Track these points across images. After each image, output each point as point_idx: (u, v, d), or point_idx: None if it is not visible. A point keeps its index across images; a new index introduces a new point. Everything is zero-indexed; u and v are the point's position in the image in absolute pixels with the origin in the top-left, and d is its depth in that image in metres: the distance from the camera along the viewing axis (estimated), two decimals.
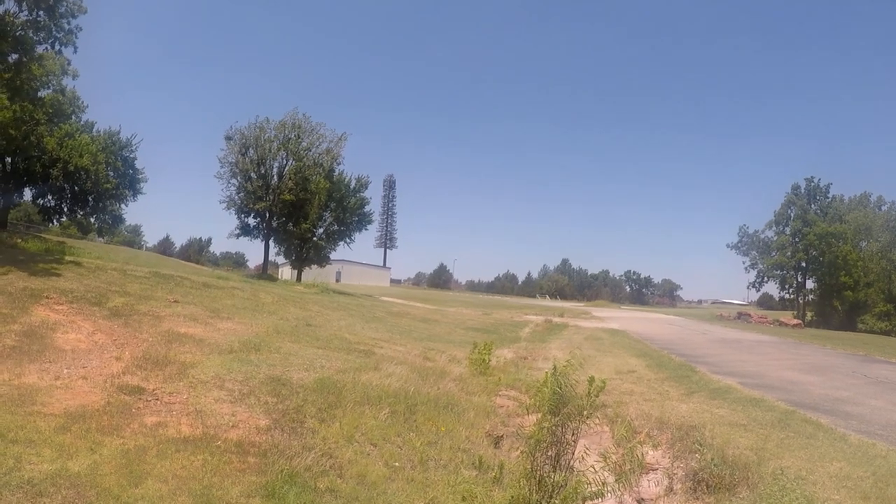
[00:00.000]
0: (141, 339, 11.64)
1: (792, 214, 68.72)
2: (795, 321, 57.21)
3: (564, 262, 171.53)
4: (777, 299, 79.53)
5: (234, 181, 50.52)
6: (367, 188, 55.89)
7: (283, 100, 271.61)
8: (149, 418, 7.50)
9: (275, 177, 50.49)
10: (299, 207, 49.59)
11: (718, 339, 29.67)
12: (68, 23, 25.41)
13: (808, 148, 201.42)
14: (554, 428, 6.48)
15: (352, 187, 54.89)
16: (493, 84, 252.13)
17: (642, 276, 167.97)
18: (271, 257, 57.33)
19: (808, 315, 66.80)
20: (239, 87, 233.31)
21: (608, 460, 8.16)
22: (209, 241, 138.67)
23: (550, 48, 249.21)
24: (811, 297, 69.18)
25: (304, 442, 7.45)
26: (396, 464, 7.46)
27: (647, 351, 20.39)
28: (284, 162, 50.71)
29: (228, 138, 50.30)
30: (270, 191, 49.69)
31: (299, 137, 50.39)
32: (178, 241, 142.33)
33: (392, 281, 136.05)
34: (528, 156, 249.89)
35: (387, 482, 6.85)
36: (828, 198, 68.73)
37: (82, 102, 44.94)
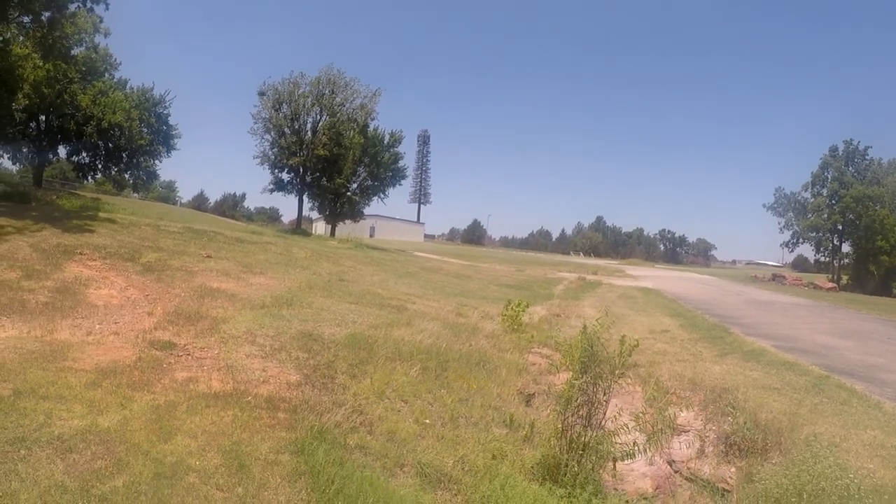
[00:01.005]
0: (173, 294, 11.63)
1: (829, 176, 66.83)
2: (830, 284, 56.11)
3: (599, 219, 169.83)
4: (812, 262, 77.79)
5: (267, 137, 50.60)
6: (400, 143, 55.87)
7: (317, 55, 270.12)
8: (179, 373, 7.52)
9: (308, 132, 50.36)
10: (333, 163, 49.51)
11: (752, 300, 29.27)
12: None
13: (846, 110, 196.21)
14: (585, 387, 6.38)
15: (385, 142, 54.78)
16: (529, 39, 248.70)
17: (677, 235, 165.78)
18: (305, 212, 57.60)
19: (844, 279, 65.18)
20: (273, 42, 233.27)
21: (639, 421, 8.12)
22: (243, 196, 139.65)
23: (587, 3, 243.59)
24: (846, 260, 67.52)
25: (335, 398, 7.44)
26: (427, 421, 7.45)
27: (681, 311, 20.16)
28: (318, 117, 50.51)
29: (262, 94, 50.17)
30: (304, 146, 49.63)
31: (333, 93, 50.00)
32: (213, 197, 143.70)
33: (426, 236, 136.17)
34: (564, 112, 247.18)
35: (417, 439, 6.85)
36: (865, 160, 66.69)
37: (115, 60, 44.82)
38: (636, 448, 6.66)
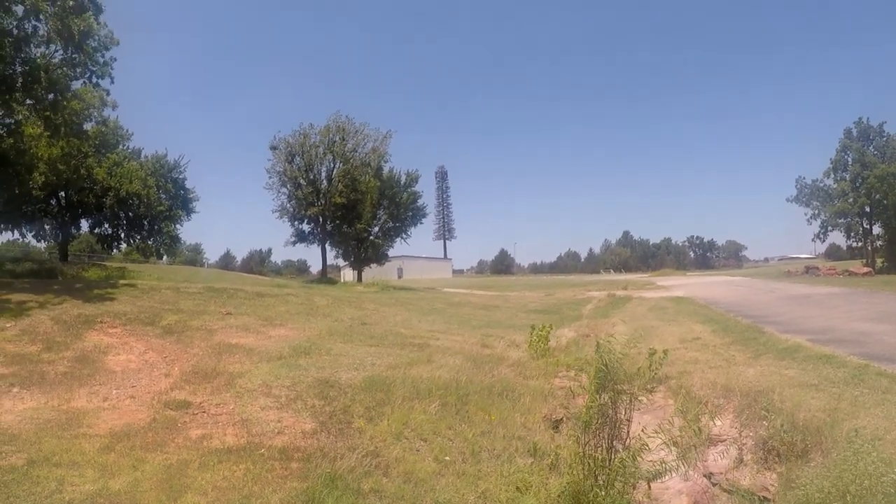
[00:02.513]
0: (191, 353, 11.68)
1: (849, 159, 64.88)
2: (865, 269, 54.40)
3: (625, 234, 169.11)
4: (845, 249, 75.61)
5: (283, 190, 51.30)
6: (417, 182, 55.97)
7: (330, 101, 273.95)
8: (194, 431, 7.47)
9: (324, 181, 50.86)
10: (351, 208, 49.81)
11: (786, 296, 28.48)
12: (102, 56, 26.28)
13: (858, 89, 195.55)
14: (603, 407, 6.09)
15: (402, 183, 54.88)
16: (540, 64, 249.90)
17: (705, 240, 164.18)
18: (331, 260, 57.92)
19: (879, 262, 63.21)
20: (286, 93, 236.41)
21: (672, 435, 7.76)
22: (269, 251, 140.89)
23: (597, 20, 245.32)
24: (879, 242, 65.67)
25: (350, 443, 7.29)
26: (447, 458, 7.20)
27: (713, 315, 19.62)
28: (332, 165, 50.99)
29: (274, 148, 50.93)
30: (321, 195, 50.05)
31: (344, 140, 50.49)
32: (240, 255, 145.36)
33: (454, 271, 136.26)
34: (580, 132, 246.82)
35: (436, 478, 6.62)
36: (883, 137, 64.93)
37: (127, 131, 45.96)
38: (668, 465, 6.33)
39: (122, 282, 23.67)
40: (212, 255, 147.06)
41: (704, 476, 7.09)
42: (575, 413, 9.05)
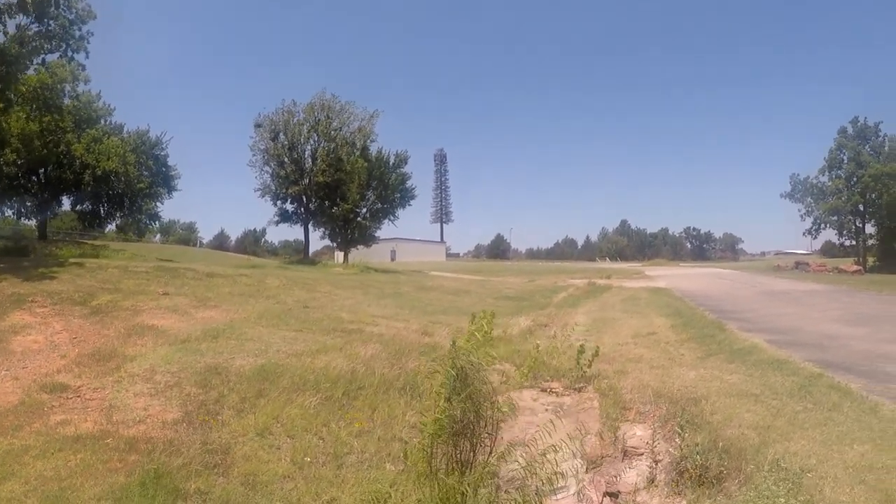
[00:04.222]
0: (103, 335, 11.11)
1: (845, 157, 63.99)
2: (856, 268, 53.42)
3: (623, 222, 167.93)
4: (839, 246, 74.76)
5: (267, 168, 50.06)
6: (406, 163, 54.48)
7: (324, 84, 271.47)
8: (56, 416, 7.26)
9: (308, 160, 49.71)
10: (335, 188, 48.71)
11: (766, 291, 27.45)
12: (79, 29, 25.91)
13: (857, 87, 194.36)
14: (458, 416, 5.17)
15: (391, 164, 53.72)
16: (540, 49, 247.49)
17: (702, 232, 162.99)
18: (319, 241, 56.99)
19: (871, 261, 62.20)
20: (283, 75, 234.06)
21: (582, 444, 6.93)
22: (263, 231, 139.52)
23: (601, 13, 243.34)
24: (872, 241, 64.74)
25: (205, 436, 6.89)
26: (307, 459, 6.61)
27: (682, 309, 18.58)
28: (316, 144, 49.84)
29: (258, 125, 49.62)
30: (305, 174, 49.03)
31: (329, 118, 49.29)
32: (234, 235, 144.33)
33: (450, 255, 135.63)
34: (581, 119, 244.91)
35: (281, 481, 6.09)
36: (879, 137, 64.08)
37: (108, 106, 45.18)
38: (562, 480, 5.45)
39: (71, 260, 23.06)
40: (207, 234, 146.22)
41: (608, 495, 6.16)
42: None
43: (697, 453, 5.81)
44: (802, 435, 6.19)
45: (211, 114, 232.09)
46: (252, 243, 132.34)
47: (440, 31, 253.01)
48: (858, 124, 63.92)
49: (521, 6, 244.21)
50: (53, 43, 25.42)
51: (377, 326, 14.04)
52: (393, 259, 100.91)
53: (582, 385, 9.02)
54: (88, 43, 26.95)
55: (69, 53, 26.19)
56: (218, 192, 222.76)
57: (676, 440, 6.48)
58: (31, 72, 27.60)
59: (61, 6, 25.45)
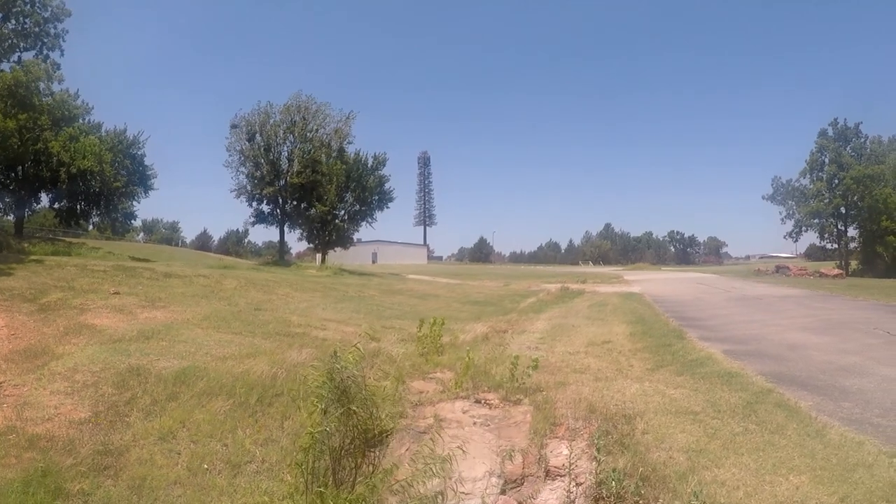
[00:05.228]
0: (42, 332, 11.00)
1: (826, 159, 63.65)
2: (837, 272, 52.81)
3: (607, 226, 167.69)
4: (823, 250, 74.47)
5: (242, 169, 49.71)
6: (384, 165, 54.37)
7: (312, 83, 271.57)
8: None
9: (285, 161, 49.28)
10: (311, 190, 48.25)
11: (739, 296, 26.90)
12: (54, 27, 25.65)
13: (839, 90, 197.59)
14: (332, 429, 4.69)
15: (370, 166, 53.33)
16: (522, 51, 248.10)
17: (686, 236, 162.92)
18: (295, 243, 56.69)
19: (852, 264, 62.22)
20: (267, 77, 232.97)
21: (502, 462, 6.44)
22: (245, 232, 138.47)
23: (575, 14, 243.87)
24: (854, 245, 64.39)
25: (107, 438, 6.85)
26: (204, 466, 6.44)
27: (646, 316, 18.02)
28: (293, 146, 49.36)
29: (234, 126, 49.47)
30: (280, 175, 48.55)
31: (305, 119, 48.88)
32: (217, 235, 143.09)
33: (432, 258, 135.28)
34: (563, 122, 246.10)
35: (171, 487, 5.99)
36: (860, 138, 63.68)
37: (88, 104, 44.83)
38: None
39: (32, 257, 23.02)
40: (190, 234, 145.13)
41: None
42: (411, 424, 7.72)
43: (613, 480, 5.27)
44: (735, 461, 5.70)
45: (193, 114, 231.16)
46: (234, 244, 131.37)
47: (425, 32, 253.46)
48: (839, 126, 63.68)
49: (505, 8, 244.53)
50: (29, 41, 25.59)
51: (324, 331, 13.60)
52: (374, 261, 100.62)
53: (519, 397, 8.47)
54: (64, 41, 27.49)
55: (44, 51, 26.61)
56: (202, 193, 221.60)
57: (607, 458, 5.96)
58: (6, 69, 27.44)
59: (37, 4, 25.39)
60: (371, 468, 4.91)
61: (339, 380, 4.69)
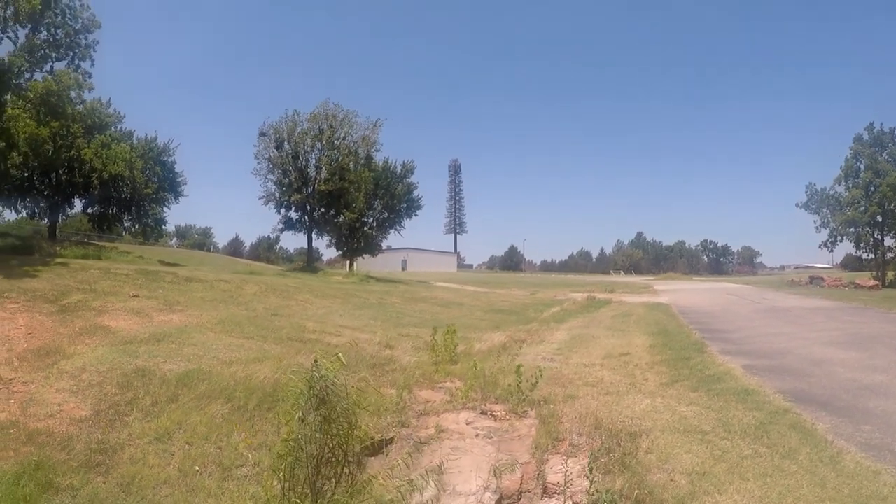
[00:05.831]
0: (58, 332, 11.30)
1: (862, 166, 60.70)
2: (872, 283, 51.30)
3: (639, 235, 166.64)
4: (859, 260, 71.72)
5: (271, 176, 50.07)
6: (413, 173, 54.55)
7: (344, 92, 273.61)
8: None
9: (312, 168, 49.53)
10: (338, 197, 48.41)
11: (768, 308, 26.25)
12: (85, 38, 27.21)
13: (869, 99, 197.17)
14: (309, 437, 4.57)
15: (398, 173, 53.47)
16: (555, 62, 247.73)
17: (719, 245, 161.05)
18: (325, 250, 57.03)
19: (890, 275, 58.81)
20: (296, 85, 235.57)
21: (500, 477, 6.26)
22: (277, 238, 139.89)
23: (614, 23, 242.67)
24: (890, 254, 61.15)
25: (104, 436, 7.00)
26: (196, 467, 6.47)
27: (670, 328, 17.62)
28: (320, 153, 49.62)
29: (262, 134, 49.78)
30: (308, 183, 48.83)
31: (332, 127, 49.09)
32: (249, 241, 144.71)
33: (463, 266, 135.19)
34: (597, 131, 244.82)
35: (159, 487, 6.06)
36: None
37: (119, 112, 45.90)
38: None
39: (58, 260, 23.50)
40: (223, 239, 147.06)
41: None
42: (413, 434, 7.57)
43: (607, 501, 5.05)
44: (739, 487, 5.38)
45: (227, 121, 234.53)
46: (265, 250, 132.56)
47: (457, 41, 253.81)
48: (874, 130, 60.85)
49: (539, 18, 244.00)
50: (60, 51, 26.66)
51: (339, 337, 13.57)
52: (404, 269, 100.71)
53: (525, 410, 8.27)
54: (94, 51, 28.43)
55: (75, 61, 27.55)
56: (234, 199, 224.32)
57: (607, 478, 5.74)
58: (38, 79, 28.11)
59: (68, 16, 26.10)
60: (351, 479, 4.76)
61: (319, 388, 4.54)
